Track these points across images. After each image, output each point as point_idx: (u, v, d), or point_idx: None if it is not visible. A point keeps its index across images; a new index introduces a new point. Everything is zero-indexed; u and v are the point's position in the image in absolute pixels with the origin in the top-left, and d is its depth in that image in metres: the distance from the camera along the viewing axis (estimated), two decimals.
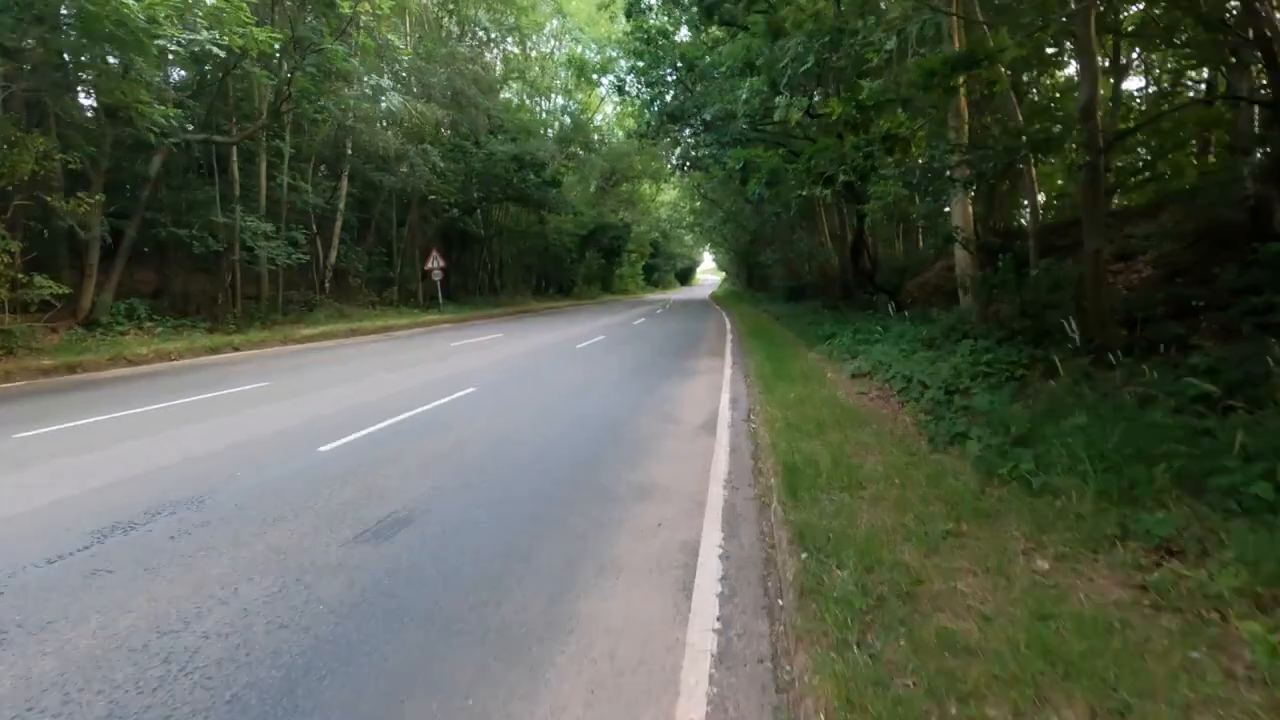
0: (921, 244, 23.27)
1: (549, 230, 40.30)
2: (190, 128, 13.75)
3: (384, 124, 18.56)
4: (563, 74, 36.04)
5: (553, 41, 33.98)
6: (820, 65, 9.02)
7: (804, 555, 3.10)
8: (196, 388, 8.75)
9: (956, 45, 8.43)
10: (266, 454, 5.38)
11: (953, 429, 4.93)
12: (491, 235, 34.97)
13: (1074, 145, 8.23)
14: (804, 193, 6.19)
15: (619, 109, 20.54)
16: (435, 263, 24.66)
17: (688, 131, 15.83)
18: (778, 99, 8.96)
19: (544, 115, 36.09)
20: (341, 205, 20.85)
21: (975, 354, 7.26)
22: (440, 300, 25.36)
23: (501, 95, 29.20)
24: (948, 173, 7.58)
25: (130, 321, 13.48)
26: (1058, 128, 9.56)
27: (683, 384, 9.08)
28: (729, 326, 20.10)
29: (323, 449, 5.47)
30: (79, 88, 13.98)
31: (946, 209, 9.80)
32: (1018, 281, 8.42)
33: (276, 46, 12.53)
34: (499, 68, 28.02)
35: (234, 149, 16.60)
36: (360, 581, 3.09)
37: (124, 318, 13.41)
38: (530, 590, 3.02)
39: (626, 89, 15.49)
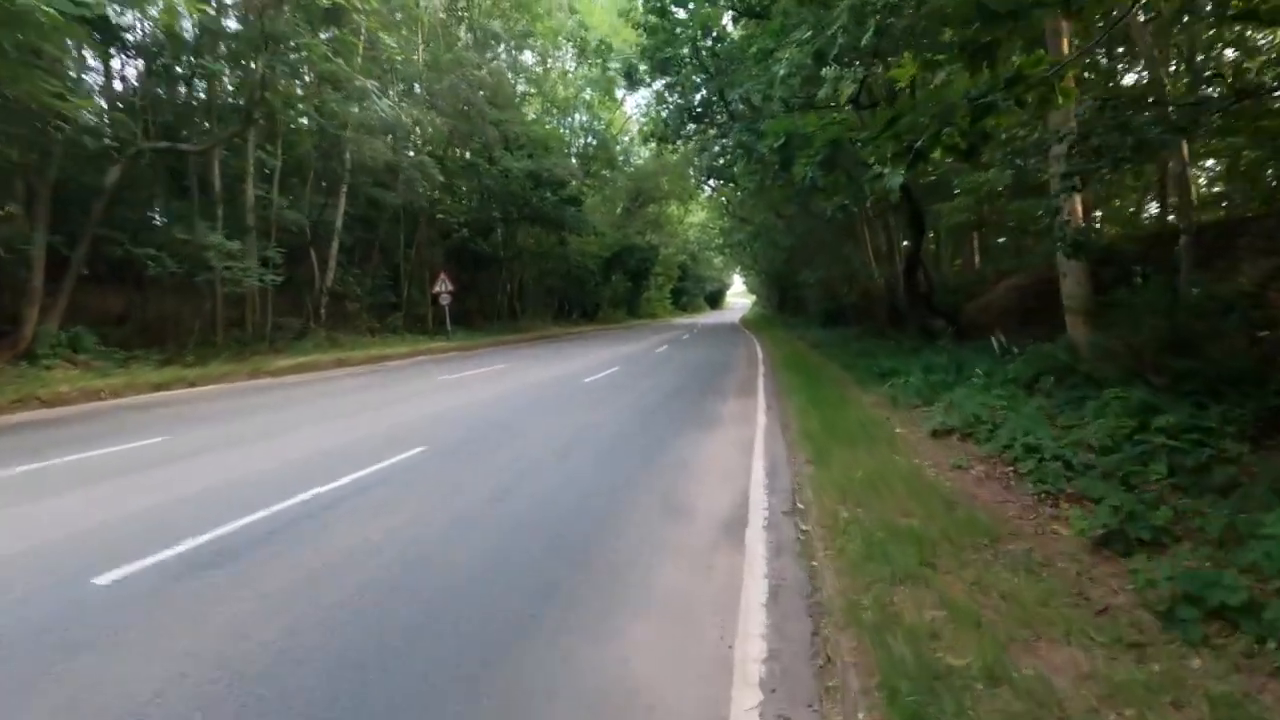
0: (979, 260, 20.75)
1: (571, 252, 38.62)
2: (137, 133, 12.19)
3: (377, 133, 16.97)
4: (588, 93, 34.62)
5: (571, 50, 32.47)
6: (879, 33, 6.90)
7: None
8: (76, 443, 6.85)
9: None
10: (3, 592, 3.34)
11: (1202, 586, 2.62)
12: (509, 257, 33.38)
13: None
14: (872, 176, 4.18)
15: (641, 120, 18.66)
16: (443, 286, 22.96)
17: (712, 133, 13.75)
18: (824, 71, 6.82)
19: (565, 132, 34.56)
20: (338, 224, 19.28)
21: (1132, 412, 4.91)
22: (449, 326, 23.61)
23: (521, 109, 27.72)
24: (1091, 141, 5.31)
25: (76, 352, 11.83)
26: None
27: (702, 440, 6.87)
28: (761, 356, 17.80)
29: (100, 580, 3.40)
30: None
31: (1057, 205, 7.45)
32: (1170, 305, 6.06)
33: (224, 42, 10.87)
34: (515, 81, 26.52)
35: (214, 161, 15.11)
36: None
37: (68, 348, 11.76)
38: None
39: (637, 76, 13.56)
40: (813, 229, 18.91)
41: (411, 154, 19.89)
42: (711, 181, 24.98)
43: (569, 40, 25.24)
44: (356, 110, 15.62)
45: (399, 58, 17.95)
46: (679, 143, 14.92)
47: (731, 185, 27.59)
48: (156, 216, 13.22)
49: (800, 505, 4.63)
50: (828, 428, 6.81)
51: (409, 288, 23.71)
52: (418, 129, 20.13)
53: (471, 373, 13.67)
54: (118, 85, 14.92)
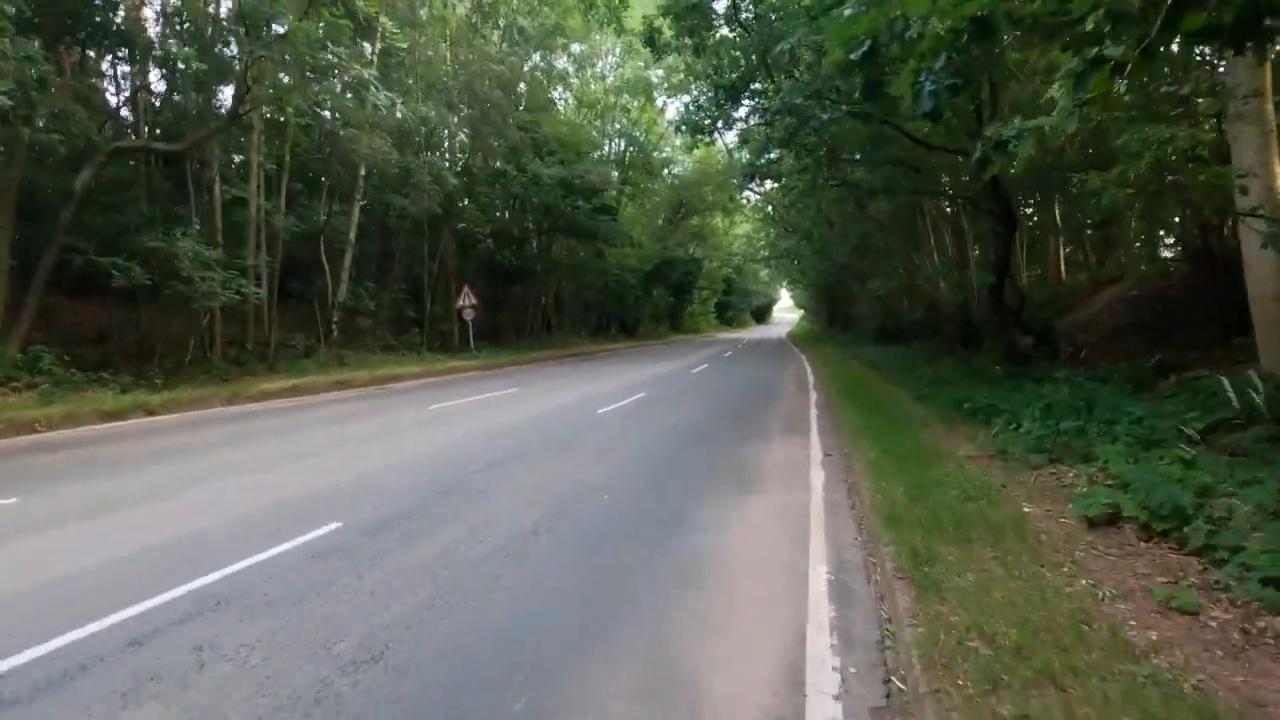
0: (1064, 270, 18.00)
1: (609, 265, 36.93)
2: (105, 132, 10.94)
3: (381, 132, 15.52)
4: (625, 97, 33.00)
5: (606, 43, 30.79)
6: None
7: None
8: None
9: None
10: None
11: None
12: (544, 270, 31.91)
13: None
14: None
15: (676, 118, 16.67)
16: (466, 300, 21.49)
17: (754, 119, 11.65)
18: None
19: (602, 139, 32.92)
20: (352, 234, 17.99)
21: None
22: (473, 343, 22.09)
23: (552, 111, 26.19)
24: None
25: (35, 375, 10.57)
26: None
27: (731, 518, 4.81)
28: (811, 380, 15.55)
29: None
30: None
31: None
32: None
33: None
34: (545, 81, 25.03)
35: (214, 165, 13.93)
36: None
37: (26, 370, 10.51)
38: None
39: (660, 40, 11.61)
40: (868, 235, 16.59)
41: (432, 156, 18.46)
42: (756, 184, 22.85)
43: (599, 24, 23.95)
44: (351, 103, 14.23)
45: (403, 46, 16.39)
46: (718, 132, 12.96)
47: (778, 188, 25.46)
48: (127, 223, 11.92)
49: (901, 688, 2.56)
50: (916, 498, 4.67)
51: (431, 302, 22.32)
52: (433, 130, 18.70)
53: (474, 399, 11.91)
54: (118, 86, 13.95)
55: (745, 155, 16.45)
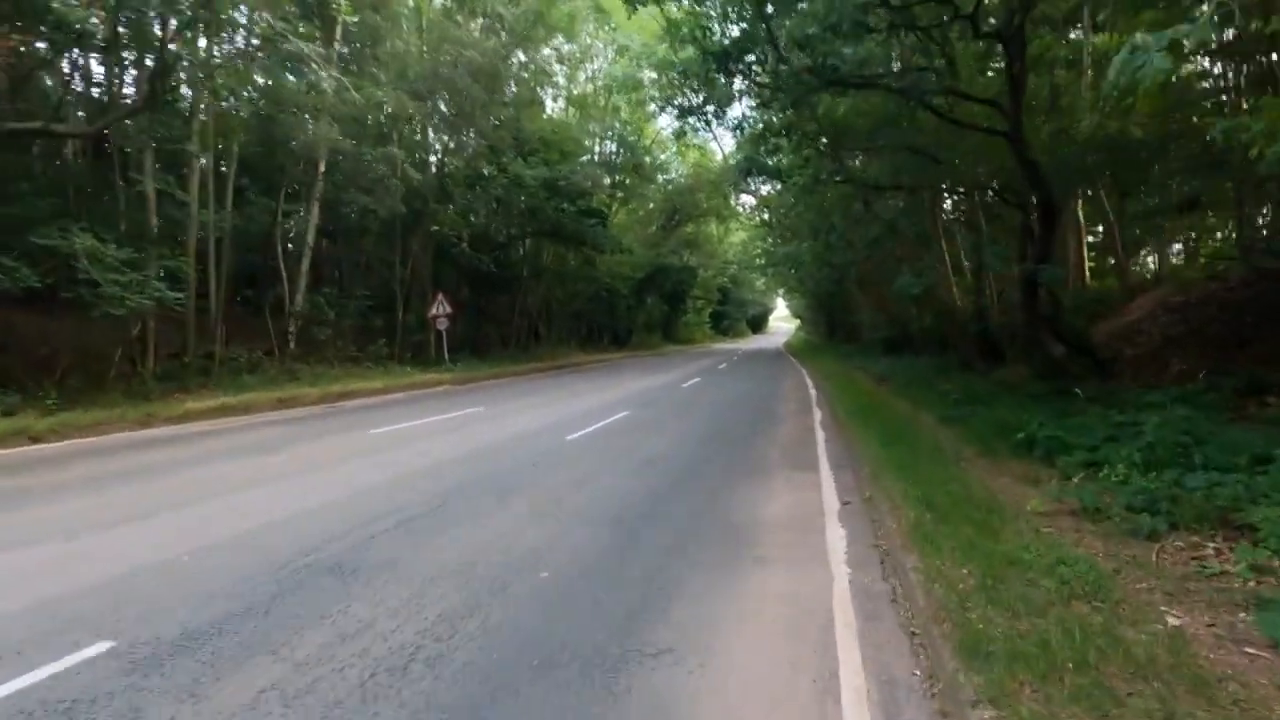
0: (1088, 274, 16.50)
1: (600, 273, 35.37)
2: None
3: (325, 117, 13.91)
4: (615, 98, 31.56)
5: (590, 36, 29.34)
6: None
7: None
8: None
9: None
10: None
11: None
12: (529, 276, 30.37)
13: None
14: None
15: (663, 96, 15.02)
16: (440, 309, 19.89)
17: (741, 89, 10.01)
18: None
19: (591, 142, 31.42)
20: (309, 236, 16.41)
21: None
22: (447, 355, 20.46)
23: (537, 108, 24.66)
24: None
25: None
26: None
27: (721, 620, 3.21)
28: (814, 395, 14.00)
29: None
30: None
31: None
32: None
33: None
34: (525, 74, 23.52)
35: (147, 157, 12.36)
36: None
37: None
38: None
39: None
40: (880, 238, 15.09)
41: (401, 152, 16.90)
42: (752, 184, 21.31)
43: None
44: (298, 87, 12.72)
45: (352, 18, 14.74)
46: (707, 116, 11.45)
47: (775, 191, 24.02)
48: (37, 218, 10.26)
49: None
50: (995, 597, 3.09)
51: (404, 311, 20.68)
52: (399, 122, 17.18)
53: (428, 421, 10.30)
54: None
55: (740, 154, 14.92)
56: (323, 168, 16.35)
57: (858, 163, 14.15)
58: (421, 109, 17.08)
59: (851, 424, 9.28)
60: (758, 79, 9.09)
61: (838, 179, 13.18)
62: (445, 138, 20.64)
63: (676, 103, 11.17)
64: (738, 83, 9.52)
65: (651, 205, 46.10)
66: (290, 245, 17.23)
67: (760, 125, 11.86)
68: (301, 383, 14.30)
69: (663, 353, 41.81)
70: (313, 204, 16.47)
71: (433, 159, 21.11)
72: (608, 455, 7.39)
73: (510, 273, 28.77)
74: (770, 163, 12.92)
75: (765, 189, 28.56)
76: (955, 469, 5.96)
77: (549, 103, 29.17)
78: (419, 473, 6.52)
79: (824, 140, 11.55)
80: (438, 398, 14.56)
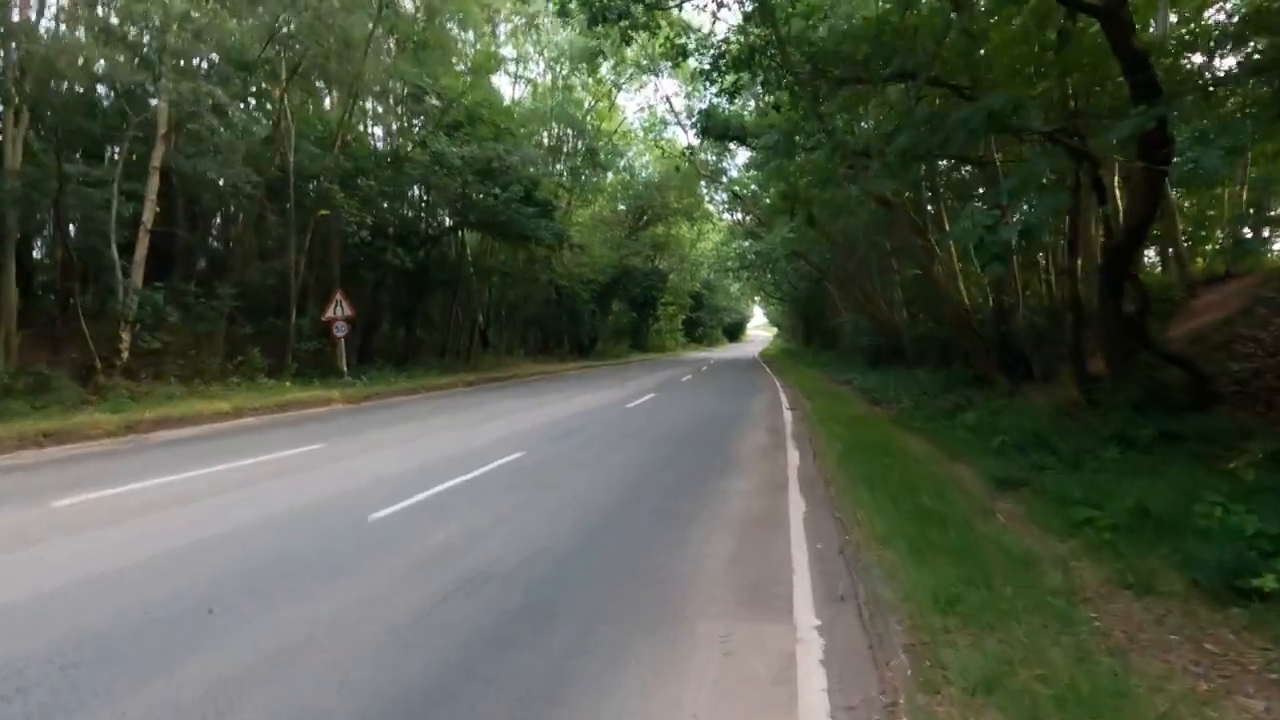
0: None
1: (557, 274, 31.83)
2: None
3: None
4: (566, 70, 28.06)
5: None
6: None
7: None
8: None
9: None
10: None
11: None
12: (472, 276, 26.83)
13: None
14: None
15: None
16: (338, 311, 16.31)
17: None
18: None
19: (529, 116, 27.75)
20: (147, 215, 12.72)
21: None
22: (345, 366, 16.81)
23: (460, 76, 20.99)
24: None
25: None
26: None
27: None
28: (790, 424, 10.67)
29: None
30: None
31: None
32: None
33: None
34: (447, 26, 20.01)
35: None
36: None
37: None
38: None
39: None
40: (875, 216, 11.83)
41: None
42: (711, 144, 17.90)
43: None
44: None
45: None
46: (634, 16, 8.11)
47: (747, 164, 20.83)
48: None
49: None
50: None
51: (296, 314, 16.93)
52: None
53: (205, 471, 6.75)
54: None
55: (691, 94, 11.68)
56: (163, 128, 12.73)
57: (845, 122, 10.85)
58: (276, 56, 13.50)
59: (848, 480, 5.96)
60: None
61: (821, 138, 9.82)
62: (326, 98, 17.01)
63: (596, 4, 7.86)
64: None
65: (622, 207, 42.75)
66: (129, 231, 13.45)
67: (711, 51, 8.59)
68: (99, 408, 10.58)
69: (627, 362, 38.41)
70: (151, 174, 12.81)
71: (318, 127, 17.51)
72: (407, 566, 3.94)
73: (447, 272, 25.19)
74: (731, 108, 9.64)
75: (733, 170, 25.42)
76: (1036, 594, 2.61)
77: (496, 78, 25.65)
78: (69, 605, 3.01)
79: (799, 73, 8.26)
80: (303, 423, 11.03)
